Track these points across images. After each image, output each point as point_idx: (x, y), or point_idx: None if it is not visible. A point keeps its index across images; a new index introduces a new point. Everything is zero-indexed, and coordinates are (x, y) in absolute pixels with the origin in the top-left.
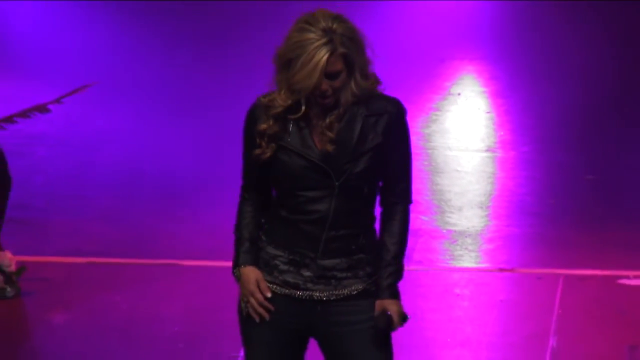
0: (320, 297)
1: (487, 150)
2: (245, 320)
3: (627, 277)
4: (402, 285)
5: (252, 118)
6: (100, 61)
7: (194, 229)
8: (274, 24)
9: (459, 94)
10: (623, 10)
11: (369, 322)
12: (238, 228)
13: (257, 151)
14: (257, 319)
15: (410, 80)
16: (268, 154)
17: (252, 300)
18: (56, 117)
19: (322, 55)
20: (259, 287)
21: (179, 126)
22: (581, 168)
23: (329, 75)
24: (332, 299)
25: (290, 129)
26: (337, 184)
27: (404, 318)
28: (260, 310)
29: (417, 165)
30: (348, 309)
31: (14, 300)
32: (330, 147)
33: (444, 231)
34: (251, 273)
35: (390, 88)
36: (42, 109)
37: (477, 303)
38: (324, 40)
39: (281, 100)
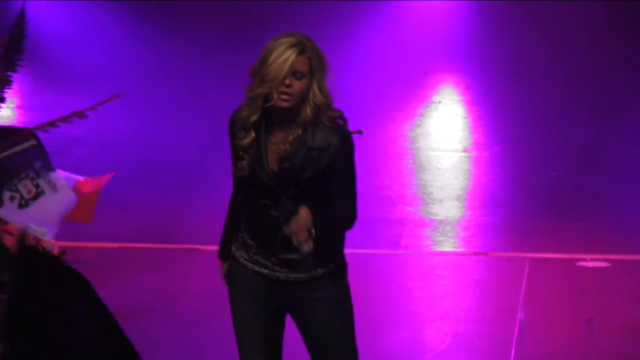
0: (287, 278)
1: (463, 151)
2: (232, 301)
3: (585, 260)
4: (390, 270)
5: (231, 133)
6: (128, 65)
7: (212, 218)
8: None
9: (439, 102)
10: (589, 12)
11: (332, 299)
12: (226, 218)
13: (239, 166)
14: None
15: (398, 91)
16: (244, 165)
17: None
18: (92, 121)
19: (292, 53)
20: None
21: (199, 126)
22: (545, 166)
23: (295, 73)
24: (293, 279)
25: (254, 143)
26: (284, 199)
27: (309, 233)
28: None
29: (404, 164)
30: (313, 287)
31: None
32: (277, 169)
33: (427, 220)
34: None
35: (381, 98)
36: (81, 114)
37: (455, 282)
38: (295, 43)
39: (252, 107)
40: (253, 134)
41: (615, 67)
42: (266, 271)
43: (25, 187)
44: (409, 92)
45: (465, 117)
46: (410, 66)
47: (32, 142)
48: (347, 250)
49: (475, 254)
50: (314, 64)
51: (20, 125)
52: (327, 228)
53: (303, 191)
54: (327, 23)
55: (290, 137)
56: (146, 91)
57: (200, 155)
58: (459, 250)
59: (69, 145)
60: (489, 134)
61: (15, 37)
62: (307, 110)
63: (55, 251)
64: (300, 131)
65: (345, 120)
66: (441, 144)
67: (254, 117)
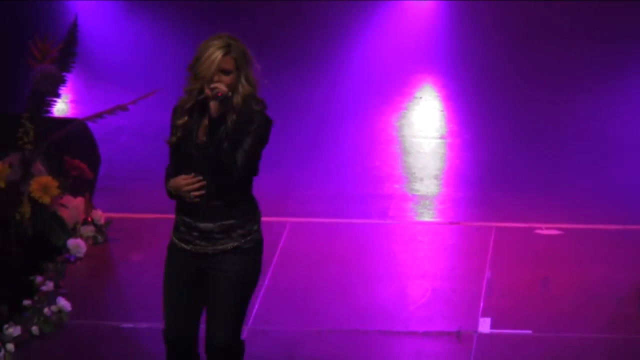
0: (205, 251)
1: (440, 138)
2: (164, 273)
3: (541, 229)
4: (379, 237)
5: (173, 114)
6: (163, 64)
7: None
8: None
9: (420, 98)
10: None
11: (236, 273)
12: (166, 173)
13: (172, 138)
14: (199, 194)
15: (387, 88)
16: (173, 141)
17: (187, 187)
18: (133, 113)
19: (219, 53)
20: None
21: None
22: (508, 149)
23: (222, 70)
24: (211, 252)
25: (191, 122)
26: (209, 169)
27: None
28: (196, 186)
29: (391, 148)
30: (220, 261)
31: (103, 245)
32: (203, 139)
33: (410, 195)
34: (175, 180)
35: (372, 94)
36: (123, 107)
37: (433, 247)
38: (222, 44)
39: (188, 97)
40: (186, 117)
41: (574, 65)
42: (189, 247)
43: None
44: (396, 89)
45: (442, 110)
46: (396, 67)
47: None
48: (343, 220)
49: (450, 223)
50: (240, 62)
51: (73, 116)
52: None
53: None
54: (325, 24)
55: (228, 120)
56: (178, 87)
57: None
58: (436, 220)
59: (113, 133)
60: (461, 124)
61: (69, 43)
62: (238, 98)
63: (102, 221)
64: (234, 117)
65: (266, 106)
66: (422, 132)
67: (189, 105)
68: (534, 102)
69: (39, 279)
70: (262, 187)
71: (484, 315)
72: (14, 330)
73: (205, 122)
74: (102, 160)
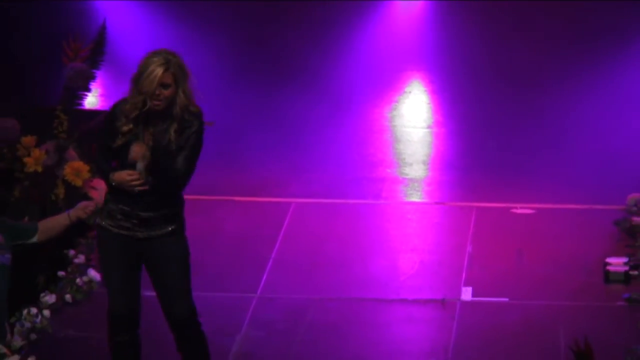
0: (142, 236)
1: (427, 127)
2: (100, 258)
3: (516, 208)
4: (373, 216)
5: (113, 114)
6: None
7: (243, 175)
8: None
9: (410, 92)
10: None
11: (179, 251)
12: (100, 169)
13: (117, 141)
14: (142, 188)
15: (380, 84)
16: (119, 144)
17: (133, 183)
18: None
19: (159, 70)
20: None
21: (237, 107)
22: (487, 138)
23: (162, 84)
24: (149, 237)
25: (136, 128)
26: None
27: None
28: (140, 182)
29: (384, 137)
30: (161, 243)
31: None
32: (150, 144)
33: (401, 178)
34: (118, 174)
35: (367, 88)
36: None
37: (421, 224)
38: (162, 62)
39: (132, 107)
40: (131, 125)
41: (548, 62)
42: (128, 233)
43: None
44: (388, 84)
45: (428, 103)
46: (388, 64)
47: None
48: (342, 201)
49: (436, 203)
50: (177, 76)
51: (102, 109)
52: (161, 169)
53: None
54: (323, 25)
55: (170, 128)
56: (197, 84)
57: (240, 130)
58: (424, 200)
59: None
60: (446, 115)
61: (98, 43)
62: (177, 109)
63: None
64: (176, 125)
65: (202, 113)
66: (411, 122)
67: (134, 114)
68: (510, 96)
69: (71, 252)
70: (270, 172)
71: (466, 284)
72: (50, 298)
73: (151, 130)
74: None
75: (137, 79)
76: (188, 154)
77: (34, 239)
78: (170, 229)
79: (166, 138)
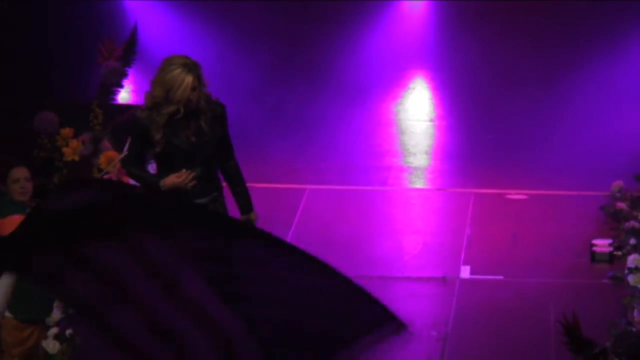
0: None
1: (430, 120)
2: None
3: (511, 194)
4: (380, 201)
5: (142, 128)
6: (207, 59)
7: (262, 164)
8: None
9: (414, 88)
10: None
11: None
12: (141, 178)
13: (157, 149)
14: (193, 183)
15: (387, 81)
16: (159, 150)
17: (184, 181)
18: None
19: (190, 79)
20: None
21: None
22: (485, 130)
23: (193, 88)
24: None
25: (168, 131)
26: (199, 161)
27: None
28: (190, 177)
29: (391, 129)
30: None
31: None
32: (193, 139)
33: (405, 167)
34: (167, 179)
35: (375, 85)
36: None
37: (423, 208)
38: (186, 70)
39: (164, 117)
40: (163, 131)
41: (542, 60)
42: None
43: None
44: (394, 80)
45: (430, 98)
46: (395, 62)
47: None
48: (351, 187)
49: (438, 189)
50: (199, 75)
51: (134, 103)
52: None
53: (210, 153)
54: (331, 24)
55: (200, 120)
56: (220, 79)
57: (255, 125)
58: (427, 187)
59: None
60: (447, 110)
61: (130, 44)
62: (202, 102)
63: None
64: (204, 116)
65: (218, 98)
66: (415, 116)
67: (163, 122)
68: (506, 93)
69: None
70: (286, 161)
71: (465, 264)
72: None
73: (188, 127)
74: None
75: (167, 93)
76: (227, 136)
77: None
78: (216, 194)
79: (203, 130)
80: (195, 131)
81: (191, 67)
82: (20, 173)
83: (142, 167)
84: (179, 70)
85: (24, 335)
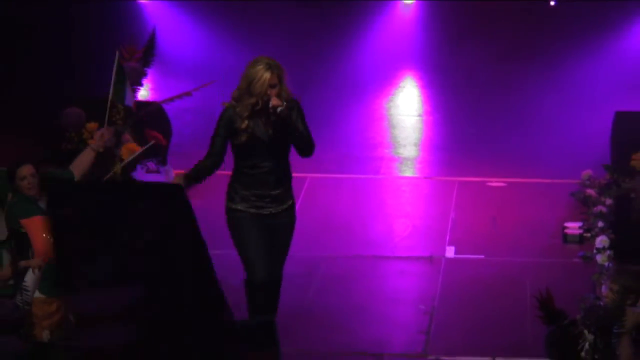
0: (271, 211)
1: (418, 115)
2: (238, 233)
3: (491, 182)
4: (373, 188)
5: (228, 117)
6: (223, 60)
7: None
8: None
9: (404, 86)
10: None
11: (293, 222)
12: (201, 168)
13: (241, 138)
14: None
15: (379, 79)
16: (244, 139)
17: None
18: (195, 98)
19: (268, 75)
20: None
21: None
22: (467, 125)
23: (271, 85)
24: (278, 211)
25: (252, 123)
26: (277, 152)
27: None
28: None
29: (383, 123)
30: (285, 214)
31: None
32: (271, 132)
33: (396, 157)
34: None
35: (369, 83)
36: (188, 94)
37: (412, 195)
38: (267, 68)
39: (246, 108)
40: (247, 122)
41: (521, 61)
42: (256, 211)
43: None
44: (386, 79)
45: (419, 95)
46: (387, 63)
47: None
48: (347, 176)
49: (425, 178)
50: (280, 76)
51: (152, 100)
52: (299, 129)
53: (286, 145)
54: (330, 26)
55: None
56: (232, 78)
57: None
58: (415, 175)
59: (181, 112)
60: (434, 105)
61: (149, 46)
62: (282, 99)
63: (172, 176)
64: (285, 111)
65: (299, 97)
66: (405, 111)
67: (246, 113)
68: (487, 91)
69: None
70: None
71: (450, 244)
72: None
73: (266, 121)
74: (173, 132)
75: (248, 86)
76: (303, 123)
77: (75, 179)
78: (291, 202)
79: (281, 124)
80: (274, 125)
81: (272, 66)
82: (26, 171)
83: (221, 154)
84: (261, 67)
85: (52, 308)
